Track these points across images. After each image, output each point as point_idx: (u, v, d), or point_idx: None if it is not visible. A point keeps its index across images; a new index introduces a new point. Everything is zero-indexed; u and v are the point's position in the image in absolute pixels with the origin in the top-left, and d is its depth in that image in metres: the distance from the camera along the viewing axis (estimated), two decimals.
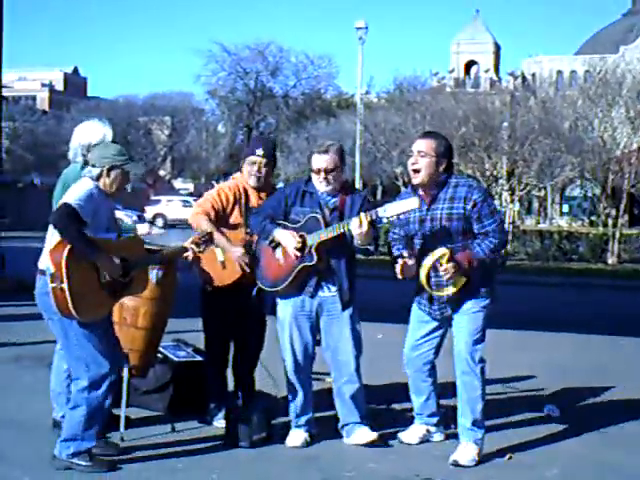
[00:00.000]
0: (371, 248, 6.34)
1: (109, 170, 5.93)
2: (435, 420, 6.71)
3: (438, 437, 6.74)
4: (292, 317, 6.55)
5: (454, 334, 6.41)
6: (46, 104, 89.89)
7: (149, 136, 71.64)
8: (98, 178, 5.93)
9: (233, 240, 6.86)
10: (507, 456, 6.38)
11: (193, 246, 6.36)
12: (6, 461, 6.10)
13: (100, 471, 5.89)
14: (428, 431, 6.71)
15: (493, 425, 6.98)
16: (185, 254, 6.45)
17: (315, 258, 6.33)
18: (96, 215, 5.78)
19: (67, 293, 5.58)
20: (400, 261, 6.24)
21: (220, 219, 6.92)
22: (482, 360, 6.34)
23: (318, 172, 6.46)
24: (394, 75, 47.39)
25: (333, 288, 6.48)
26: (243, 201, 6.99)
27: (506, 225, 29.03)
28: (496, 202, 31.19)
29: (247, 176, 7.04)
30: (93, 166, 5.94)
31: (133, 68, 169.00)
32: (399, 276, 6.27)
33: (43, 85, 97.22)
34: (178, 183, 77.42)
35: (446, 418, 6.72)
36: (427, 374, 6.59)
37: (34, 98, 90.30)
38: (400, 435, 6.71)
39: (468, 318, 6.32)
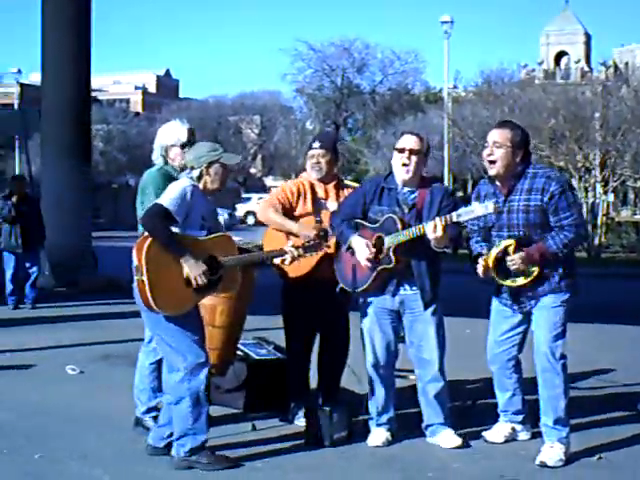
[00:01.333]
0: (448, 250, 6.21)
1: (208, 167, 5.98)
2: (520, 418, 6.53)
3: (524, 436, 6.56)
4: (374, 314, 6.47)
5: (534, 329, 6.23)
6: (139, 106, 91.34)
7: (239, 135, 72.18)
8: (199, 179, 5.98)
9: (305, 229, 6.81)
10: (597, 456, 6.17)
11: (292, 249, 6.24)
12: (88, 459, 6.14)
13: (222, 467, 5.90)
14: (513, 429, 6.53)
15: (581, 423, 6.80)
16: (283, 257, 6.31)
17: (393, 260, 6.23)
18: (189, 214, 5.85)
19: (147, 286, 5.69)
20: (482, 262, 6.12)
21: (287, 212, 6.93)
22: (563, 356, 6.13)
23: (402, 151, 6.34)
24: (481, 68, 46.75)
25: (414, 287, 6.37)
26: (309, 195, 7.00)
27: (599, 217, 28.52)
28: (589, 194, 30.59)
29: (309, 170, 7.10)
30: (192, 168, 6.00)
31: (222, 69, 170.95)
32: (481, 275, 6.15)
33: (136, 88, 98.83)
34: (269, 181, 77.86)
35: (532, 416, 6.52)
36: (512, 370, 6.42)
37: (128, 101, 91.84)
38: (485, 434, 6.55)
39: (548, 313, 6.13)
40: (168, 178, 6.54)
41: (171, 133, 6.72)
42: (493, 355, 6.45)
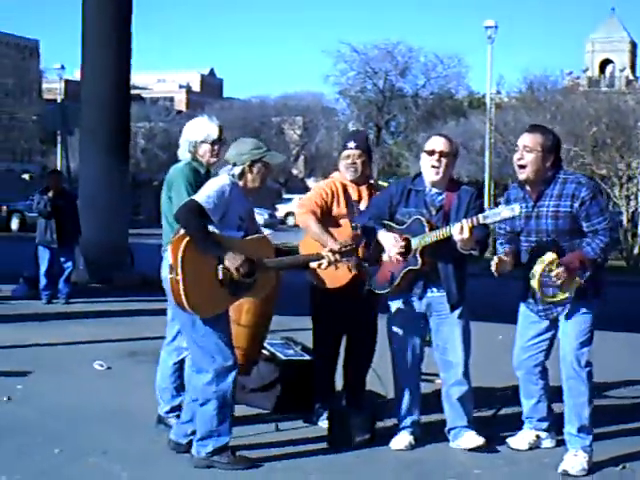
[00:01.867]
0: (475, 252, 6.15)
1: (250, 166, 5.93)
2: (545, 425, 6.46)
3: (548, 443, 6.48)
4: (400, 317, 6.44)
5: (560, 336, 6.17)
6: (183, 105, 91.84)
7: (281, 135, 72.33)
8: (241, 176, 5.93)
9: (341, 236, 6.70)
10: (620, 466, 6.09)
11: (329, 254, 6.13)
12: (108, 455, 6.13)
13: (242, 468, 5.87)
14: (538, 437, 6.46)
15: (606, 432, 6.73)
16: (319, 262, 6.20)
17: (420, 262, 6.19)
18: (227, 213, 5.79)
19: (181, 285, 5.63)
20: (495, 258, 6.06)
21: (324, 215, 6.83)
22: (589, 364, 6.06)
23: (432, 153, 6.31)
24: (524, 74, 46.35)
25: (441, 289, 6.33)
26: (342, 196, 6.90)
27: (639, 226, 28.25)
28: (631, 203, 30.32)
29: (344, 171, 6.98)
30: (234, 165, 5.93)
31: (266, 69, 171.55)
32: (494, 273, 6.06)
33: (180, 87, 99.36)
34: (310, 182, 77.91)
35: (558, 424, 6.42)
36: (538, 376, 6.35)
37: (172, 99, 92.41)
38: (509, 440, 6.48)
39: (575, 320, 6.07)
40: (196, 174, 6.52)
41: (201, 129, 6.65)
42: (519, 361, 6.39)
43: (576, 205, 5.94)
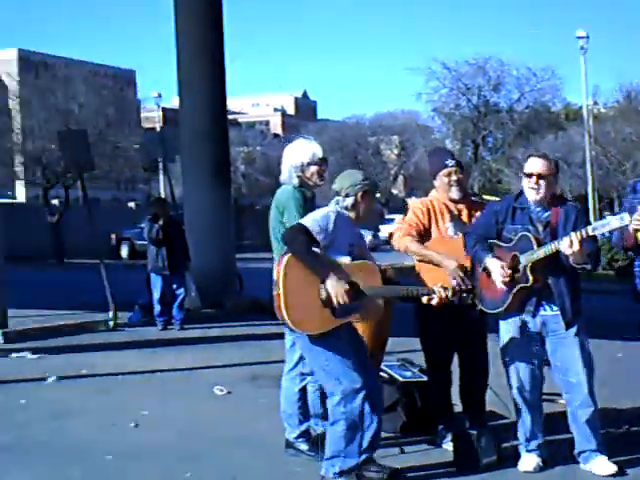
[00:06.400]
0: (587, 267, 6.10)
1: (363, 196, 6.04)
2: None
3: None
4: (515, 337, 6.34)
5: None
6: (279, 128, 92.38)
7: (378, 155, 72.25)
8: (354, 206, 6.03)
9: (452, 253, 6.68)
10: None
11: (441, 290, 6.04)
12: None
13: None
14: None
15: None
16: (429, 297, 6.07)
17: (530, 279, 6.11)
18: (335, 240, 5.85)
19: (282, 299, 5.72)
20: None
21: (424, 237, 6.84)
22: None
23: (530, 176, 6.28)
24: (620, 83, 44.95)
25: (555, 307, 6.24)
26: (442, 216, 6.89)
27: None
28: None
29: (448, 189, 6.94)
30: (347, 196, 6.03)
31: (356, 89, 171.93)
32: None
33: (275, 110, 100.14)
34: (411, 202, 77.35)
35: None
36: None
37: (267, 123, 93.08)
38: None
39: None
40: (304, 198, 6.60)
41: (305, 151, 6.70)
42: None
43: None
